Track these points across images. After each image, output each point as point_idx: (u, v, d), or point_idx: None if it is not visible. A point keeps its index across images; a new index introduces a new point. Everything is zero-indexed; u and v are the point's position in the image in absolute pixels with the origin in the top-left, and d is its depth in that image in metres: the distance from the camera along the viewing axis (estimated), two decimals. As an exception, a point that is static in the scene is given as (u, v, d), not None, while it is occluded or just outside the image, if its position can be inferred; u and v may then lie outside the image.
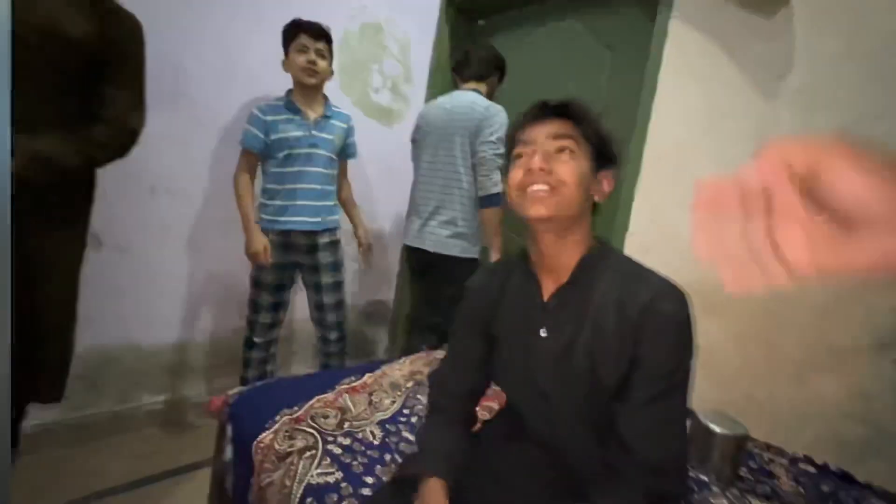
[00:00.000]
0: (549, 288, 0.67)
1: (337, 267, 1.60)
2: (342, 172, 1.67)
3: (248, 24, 1.58)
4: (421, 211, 1.59)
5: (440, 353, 1.47)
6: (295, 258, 1.54)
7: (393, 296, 2.30)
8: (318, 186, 1.51)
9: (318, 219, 1.52)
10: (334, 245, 1.59)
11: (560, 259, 0.66)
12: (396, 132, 2.07)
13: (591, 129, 0.65)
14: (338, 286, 1.60)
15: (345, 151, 1.63)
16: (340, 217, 1.63)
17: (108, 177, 1.12)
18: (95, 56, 0.93)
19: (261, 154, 1.47)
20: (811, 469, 1.04)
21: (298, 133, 1.46)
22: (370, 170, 2.01)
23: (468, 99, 1.50)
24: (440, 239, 1.53)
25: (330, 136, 1.52)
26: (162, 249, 1.52)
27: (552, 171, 0.61)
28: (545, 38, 1.95)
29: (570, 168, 0.62)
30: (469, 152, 1.48)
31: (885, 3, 1.14)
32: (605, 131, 0.66)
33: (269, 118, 1.44)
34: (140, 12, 1.02)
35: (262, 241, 1.42)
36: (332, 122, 1.54)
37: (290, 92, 1.49)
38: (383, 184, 2.09)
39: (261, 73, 1.62)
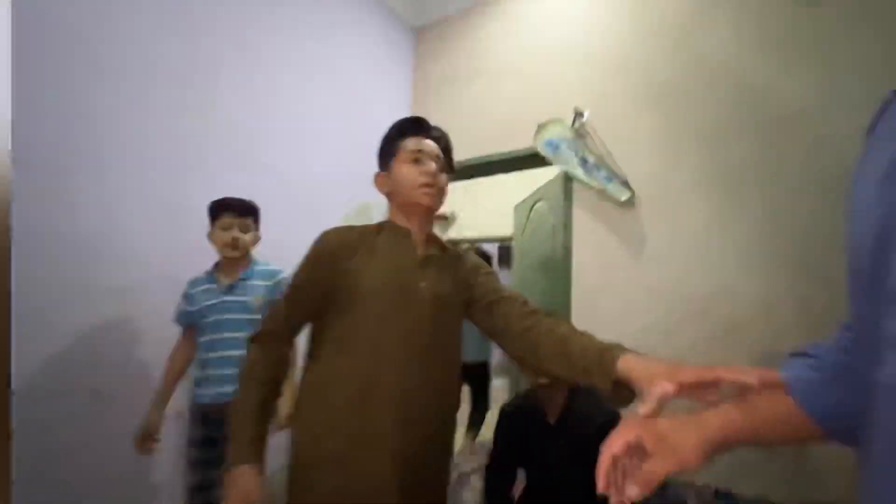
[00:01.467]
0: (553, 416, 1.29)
1: None
2: None
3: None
4: None
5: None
6: (214, 433, 1.43)
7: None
8: (235, 353, 1.41)
9: (233, 389, 1.40)
10: None
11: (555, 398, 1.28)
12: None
13: None
14: None
15: None
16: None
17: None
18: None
19: (190, 327, 1.50)
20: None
21: (210, 301, 1.47)
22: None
23: None
24: None
25: (245, 298, 1.49)
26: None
27: None
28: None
29: None
30: None
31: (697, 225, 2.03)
32: None
33: (192, 290, 1.50)
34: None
35: (148, 426, 1.39)
36: (251, 282, 1.52)
37: (218, 262, 1.55)
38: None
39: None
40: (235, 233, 1.49)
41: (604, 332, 0.80)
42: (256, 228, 1.59)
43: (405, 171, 0.97)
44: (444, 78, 2.91)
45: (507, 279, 2.20)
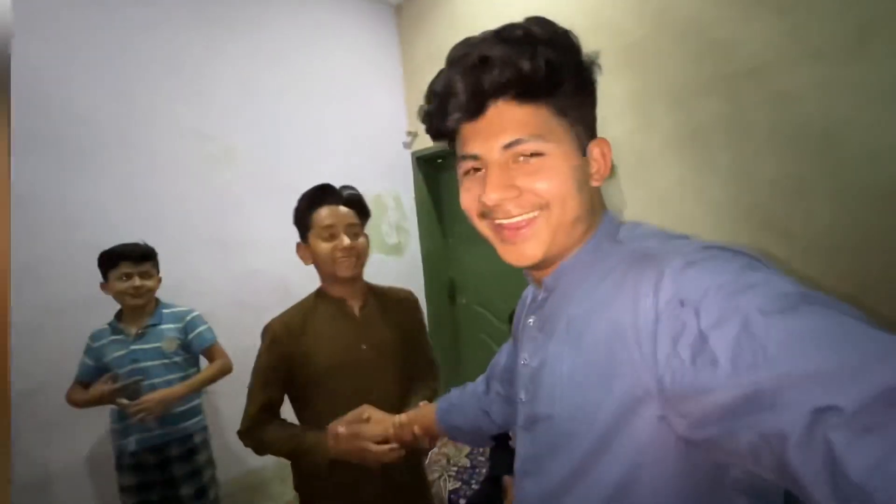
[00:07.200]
0: None
1: (195, 475, 1.55)
2: (211, 363, 1.63)
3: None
4: None
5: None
6: (148, 478, 1.48)
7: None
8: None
9: (164, 430, 1.49)
10: (191, 453, 1.55)
11: None
12: (404, 260, 3.03)
13: None
14: (201, 494, 1.56)
15: (193, 346, 1.60)
16: (204, 416, 1.64)
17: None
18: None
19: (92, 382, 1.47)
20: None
21: (119, 353, 1.47)
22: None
23: None
24: None
25: (156, 344, 1.51)
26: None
27: None
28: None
29: None
30: None
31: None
32: None
33: (96, 344, 1.48)
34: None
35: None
36: (160, 327, 1.53)
37: (119, 311, 1.54)
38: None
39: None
40: (136, 282, 1.47)
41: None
42: (157, 272, 1.58)
43: (321, 248, 1.01)
44: (430, 55, 2.97)
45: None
